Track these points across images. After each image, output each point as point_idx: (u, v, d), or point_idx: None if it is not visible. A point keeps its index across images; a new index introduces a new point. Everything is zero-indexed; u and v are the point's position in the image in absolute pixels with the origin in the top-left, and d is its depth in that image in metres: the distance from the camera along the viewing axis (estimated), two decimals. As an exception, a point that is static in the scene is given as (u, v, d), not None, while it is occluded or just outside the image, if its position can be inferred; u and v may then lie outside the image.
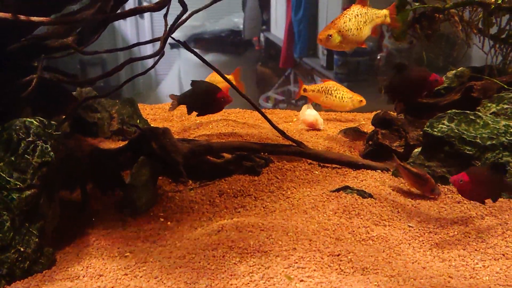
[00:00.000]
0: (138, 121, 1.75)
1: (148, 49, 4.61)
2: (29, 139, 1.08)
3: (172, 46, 6.56)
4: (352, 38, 1.73)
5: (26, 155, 1.07)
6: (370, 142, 1.73)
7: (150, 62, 1.57)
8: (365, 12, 1.71)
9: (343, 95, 2.35)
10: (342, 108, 2.44)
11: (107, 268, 1.15)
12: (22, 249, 1.07)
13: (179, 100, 1.86)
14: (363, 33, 1.74)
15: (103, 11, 1.39)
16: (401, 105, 1.82)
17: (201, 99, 1.80)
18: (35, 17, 1.13)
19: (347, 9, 1.82)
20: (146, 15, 5.27)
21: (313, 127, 2.11)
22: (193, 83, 1.86)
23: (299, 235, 1.18)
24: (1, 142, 1.06)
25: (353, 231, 1.24)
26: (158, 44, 1.54)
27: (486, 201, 1.29)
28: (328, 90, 2.36)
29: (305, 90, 2.37)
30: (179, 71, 4.94)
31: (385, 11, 1.71)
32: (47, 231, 1.17)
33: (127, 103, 1.80)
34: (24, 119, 1.08)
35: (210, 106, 1.81)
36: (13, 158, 1.05)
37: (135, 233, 1.29)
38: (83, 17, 1.36)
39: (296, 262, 1.10)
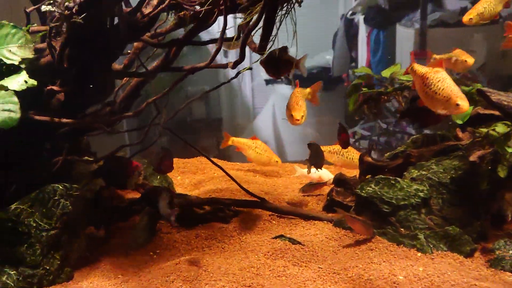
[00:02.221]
0: (158, 178, 2.32)
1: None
2: (55, 197, 1.67)
3: (267, 82, 7.11)
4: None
5: (53, 208, 1.67)
6: (328, 198, 2.13)
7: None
8: None
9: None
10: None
11: (102, 283, 1.69)
12: (47, 267, 1.64)
13: None
14: None
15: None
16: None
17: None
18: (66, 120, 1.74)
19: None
20: (246, 52, 5.90)
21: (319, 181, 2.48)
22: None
23: (228, 271, 1.63)
24: (38, 199, 1.65)
25: (273, 269, 1.66)
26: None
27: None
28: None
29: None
30: (273, 106, 5.30)
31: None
32: (69, 257, 1.74)
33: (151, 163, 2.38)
34: (54, 185, 1.68)
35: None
36: (44, 210, 1.65)
37: (130, 262, 1.83)
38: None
39: (219, 289, 1.55)
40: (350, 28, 6.07)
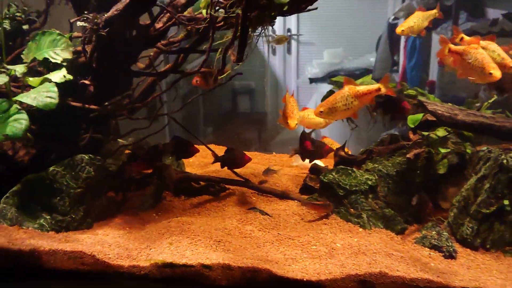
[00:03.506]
0: (170, 158, 2.80)
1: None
2: (82, 164, 2.19)
3: (311, 80, 7.46)
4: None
5: (79, 172, 2.18)
6: (303, 183, 2.55)
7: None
8: None
9: None
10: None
11: (114, 232, 2.18)
12: (73, 216, 2.15)
13: None
14: None
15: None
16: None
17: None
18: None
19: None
20: (294, 50, 6.18)
21: None
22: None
23: (205, 230, 2.09)
24: (69, 164, 2.17)
25: (241, 232, 2.10)
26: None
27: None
28: None
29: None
30: (315, 103, 5.36)
31: None
32: (91, 211, 2.25)
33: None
34: (82, 155, 2.20)
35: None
36: (73, 173, 2.16)
37: (137, 220, 2.32)
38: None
39: (195, 242, 2.01)
40: (393, 33, 6.25)
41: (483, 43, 2.15)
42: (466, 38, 2.22)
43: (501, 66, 2.05)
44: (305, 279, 1.80)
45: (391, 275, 1.76)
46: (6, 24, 2.26)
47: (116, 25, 1.96)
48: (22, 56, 2.15)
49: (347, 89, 2.09)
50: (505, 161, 1.94)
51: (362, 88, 2.09)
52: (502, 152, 1.97)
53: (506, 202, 1.93)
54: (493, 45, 2.14)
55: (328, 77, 6.92)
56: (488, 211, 1.96)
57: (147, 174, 2.60)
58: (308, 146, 2.38)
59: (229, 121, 5.37)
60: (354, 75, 7.03)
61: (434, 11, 2.64)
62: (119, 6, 1.95)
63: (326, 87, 6.71)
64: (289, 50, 6.33)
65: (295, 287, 1.81)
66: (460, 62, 2.10)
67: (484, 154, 2.05)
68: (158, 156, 2.35)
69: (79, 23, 1.96)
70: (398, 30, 2.52)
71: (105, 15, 1.97)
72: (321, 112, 2.11)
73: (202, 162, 3.06)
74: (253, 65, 5.32)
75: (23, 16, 2.31)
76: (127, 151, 2.73)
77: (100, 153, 2.50)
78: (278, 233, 2.10)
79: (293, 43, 6.07)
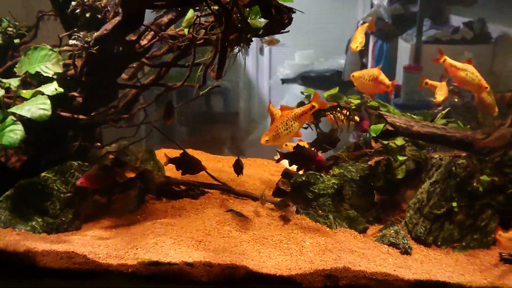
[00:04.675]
0: (151, 163, 2.97)
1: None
2: (71, 170, 2.34)
3: (283, 81, 7.58)
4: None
5: (69, 178, 2.33)
6: (276, 186, 2.75)
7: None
8: None
9: None
10: None
11: (101, 233, 2.33)
12: (63, 219, 2.30)
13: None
14: None
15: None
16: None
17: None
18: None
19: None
20: (266, 52, 6.29)
21: None
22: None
23: (187, 231, 2.26)
24: (60, 170, 2.30)
25: (220, 232, 2.28)
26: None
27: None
28: None
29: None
30: (286, 103, 6.02)
31: None
32: (79, 214, 2.40)
33: (147, 151, 3.03)
34: (71, 161, 2.34)
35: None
36: (63, 178, 2.31)
37: (122, 221, 2.48)
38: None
39: (178, 242, 2.18)
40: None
41: (462, 65, 2.51)
42: (449, 60, 2.55)
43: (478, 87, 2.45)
44: (278, 274, 2.00)
45: (354, 269, 1.98)
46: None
47: (106, 43, 2.12)
48: (15, 69, 2.27)
49: (285, 115, 2.27)
50: (453, 168, 2.19)
51: (298, 110, 2.28)
52: (451, 160, 2.22)
53: (454, 204, 2.17)
54: (471, 67, 2.51)
55: (299, 78, 7.10)
56: (439, 212, 2.20)
57: (130, 178, 2.76)
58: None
59: (203, 121, 5.48)
60: (325, 77, 7.21)
61: (367, 24, 2.90)
62: (108, 26, 2.10)
63: (297, 88, 6.89)
64: (261, 51, 6.48)
65: (269, 281, 2.01)
66: (455, 74, 2.49)
67: (437, 162, 2.29)
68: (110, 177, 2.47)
69: (71, 41, 2.10)
70: (353, 46, 2.75)
71: (95, 34, 2.13)
72: (267, 140, 2.28)
73: (181, 166, 3.23)
74: (226, 66, 5.47)
75: (14, 30, 2.43)
76: (110, 157, 2.88)
77: (86, 159, 2.64)
78: (254, 233, 2.29)
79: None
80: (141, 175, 2.64)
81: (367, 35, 6.72)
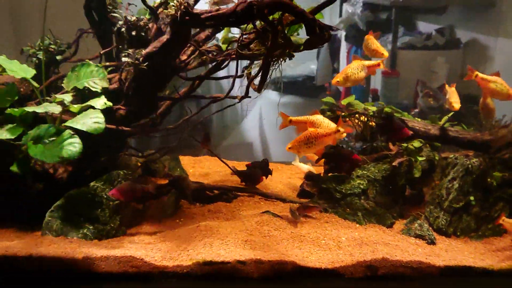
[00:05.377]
0: (178, 170, 3.11)
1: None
2: (118, 179, 2.46)
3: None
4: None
5: (117, 186, 2.46)
6: (301, 188, 2.95)
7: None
8: None
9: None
10: None
11: (148, 237, 2.46)
12: (112, 225, 2.42)
13: None
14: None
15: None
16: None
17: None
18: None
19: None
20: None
21: None
22: None
23: (232, 231, 2.42)
24: (108, 179, 2.42)
25: (261, 232, 2.46)
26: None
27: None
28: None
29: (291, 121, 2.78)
30: (260, 109, 5.67)
31: None
32: (124, 220, 2.52)
33: (173, 159, 3.17)
34: (117, 171, 2.47)
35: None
36: (111, 187, 2.43)
37: (163, 225, 2.61)
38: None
39: (225, 242, 2.34)
40: (333, 42, 6.68)
41: (492, 78, 2.74)
42: (480, 75, 2.77)
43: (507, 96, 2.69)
44: (322, 267, 2.20)
45: (391, 259, 2.20)
46: (43, 56, 2.48)
47: (153, 59, 2.26)
48: (62, 85, 2.39)
49: (311, 132, 2.55)
50: (470, 166, 2.45)
51: (322, 131, 2.54)
52: (467, 159, 2.48)
53: (472, 198, 2.43)
54: (500, 79, 2.73)
55: (271, 84, 7.26)
56: (457, 205, 2.45)
57: (162, 185, 2.89)
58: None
59: (177, 127, 5.59)
60: (297, 82, 7.40)
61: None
62: (157, 44, 2.25)
63: (270, 94, 7.06)
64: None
65: (315, 274, 2.20)
66: (486, 86, 2.73)
67: (452, 160, 2.54)
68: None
69: (123, 58, 2.24)
70: (334, 81, 2.85)
71: (144, 51, 2.27)
72: (290, 148, 2.63)
73: (202, 172, 3.38)
74: (199, 72, 5.63)
75: (55, 47, 2.54)
76: (139, 165, 3.01)
77: (119, 167, 2.76)
78: (291, 232, 2.48)
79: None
80: (175, 182, 2.77)
81: (338, 42, 6.92)
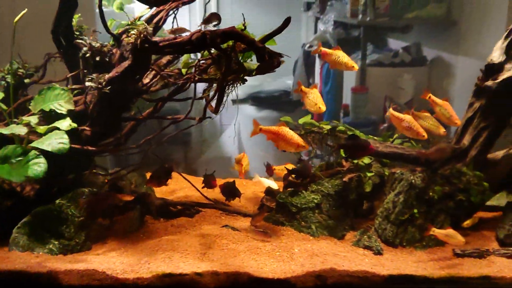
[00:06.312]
0: (145, 186, 3.23)
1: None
2: (83, 196, 2.58)
3: (234, 101, 7.78)
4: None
5: (81, 203, 2.57)
6: (260, 203, 3.09)
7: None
8: None
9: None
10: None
11: (111, 252, 2.57)
12: (77, 241, 2.52)
13: None
14: None
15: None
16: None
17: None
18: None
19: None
20: None
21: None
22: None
23: (192, 245, 2.55)
24: (73, 197, 2.54)
25: (219, 245, 2.57)
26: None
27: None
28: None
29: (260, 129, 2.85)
30: (238, 123, 6.18)
31: None
32: (89, 235, 2.63)
33: (140, 175, 3.29)
34: (82, 188, 2.58)
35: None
36: (76, 204, 2.54)
37: (127, 241, 2.72)
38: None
39: (185, 255, 2.46)
40: (308, 58, 6.88)
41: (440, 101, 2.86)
42: (433, 97, 2.88)
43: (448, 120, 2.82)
44: (276, 278, 2.33)
45: (339, 269, 2.35)
46: (11, 79, 2.59)
47: (116, 84, 2.40)
48: (29, 107, 2.51)
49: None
50: (413, 180, 2.62)
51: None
52: (411, 174, 2.66)
53: (415, 211, 2.60)
54: (446, 104, 2.84)
55: (249, 98, 7.45)
56: (403, 218, 2.62)
57: (128, 201, 3.01)
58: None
59: (155, 141, 5.69)
60: (274, 97, 7.57)
61: None
62: (119, 69, 2.39)
63: (248, 108, 7.21)
64: (212, 73, 6.74)
65: (269, 284, 2.34)
66: (434, 108, 2.88)
67: (399, 176, 2.72)
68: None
69: (87, 83, 2.37)
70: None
71: (107, 75, 2.41)
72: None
73: (169, 189, 3.49)
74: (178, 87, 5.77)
75: (23, 71, 2.66)
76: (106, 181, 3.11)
77: (85, 184, 2.87)
78: (248, 244, 2.61)
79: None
80: (140, 198, 2.90)
81: (313, 58, 7.12)
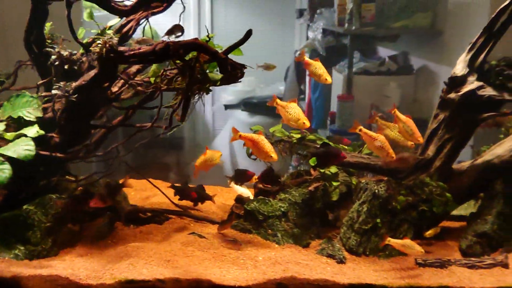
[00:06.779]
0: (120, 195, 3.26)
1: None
2: (51, 203, 2.61)
3: (226, 107, 7.80)
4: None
5: (49, 209, 2.59)
6: (230, 210, 3.12)
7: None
8: None
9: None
10: None
11: (77, 258, 2.60)
12: (44, 246, 2.55)
13: None
14: None
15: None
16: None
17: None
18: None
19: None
20: None
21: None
22: None
23: (157, 251, 2.58)
24: (40, 203, 2.56)
25: (185, 252, 2.60)
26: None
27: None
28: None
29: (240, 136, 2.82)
30: (230, 128, 6.19)
31: None
32: (57, 241, 2.65)
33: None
34: (50, 195, 2.61)
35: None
36: (43, 210, 2.57)
37: (95, 247, 2.74)
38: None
39: (149, 262, 2.49)
40: (300, 65, 6.92)
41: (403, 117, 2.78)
42: (397, 113, 2.78)
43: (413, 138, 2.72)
44: (237, 285, 2.36)
45: (299, 277, 2.38)
46: (-19, 86, 2.63)
47: (84, 92, 2.44)
48: (-3, 114, 2.54)
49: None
50: (377, 190, 2.66)
51: None
52: (375, 184, 2.69)
53: (378, 220, 2.64)
54: (410, 121, 2.75)
55: (242, 104, 7.48)
56: (366, 227, 2.66)
57: (99, 208, 3.03)
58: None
59: (148, 147, 5.73)
60: (266, 102, 7.59)
61: None
62: (86, 77, 2.43)
63: (240, 114, 7.23)
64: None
65: (230, 292, 2.37)
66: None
67: (363, 185, 2.76)
68: (114, 194, 2.80)
69: (53, 91, 2.41)
70: None
71: (74, 84, 2.44)
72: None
73: (143, 196, 3.53)
74: (170, 92, 5.83)
75: (-5, 78, 2.70)
76: (79, 188, 3.14)
77: (58, 190, 2.90)
78: (214, 252, 2.64)
79: (209, 71, 6.58)
80: (112, 205, 2.92)
81: (302, 65, 7.16)
